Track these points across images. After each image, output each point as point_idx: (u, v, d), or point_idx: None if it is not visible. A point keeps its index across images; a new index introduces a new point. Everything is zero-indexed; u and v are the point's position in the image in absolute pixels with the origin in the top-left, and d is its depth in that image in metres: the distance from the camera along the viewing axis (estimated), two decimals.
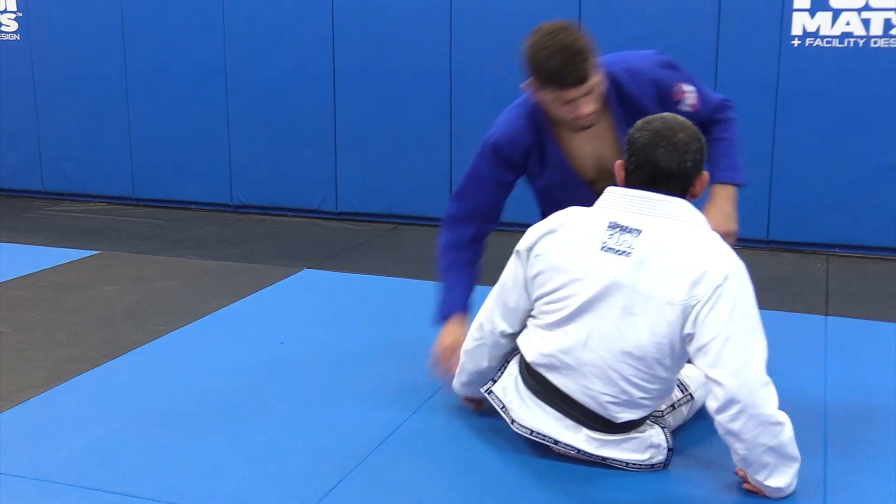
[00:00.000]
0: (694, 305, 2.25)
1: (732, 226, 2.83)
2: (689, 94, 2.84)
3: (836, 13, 4.91)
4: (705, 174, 2.43)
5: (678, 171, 2.35)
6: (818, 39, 4.96)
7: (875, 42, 4.87)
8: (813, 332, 3.64)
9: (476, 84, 5.59)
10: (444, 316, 2.96)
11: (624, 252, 2.34)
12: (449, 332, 2.91)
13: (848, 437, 2.70)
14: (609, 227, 2.38)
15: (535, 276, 2.49)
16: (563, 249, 2.44)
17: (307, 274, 4.53)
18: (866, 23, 4.87)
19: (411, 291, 4.22)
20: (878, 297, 4.17)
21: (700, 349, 2.25)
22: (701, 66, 5.17)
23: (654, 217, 2.35)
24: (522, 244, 2.55)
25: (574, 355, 2.40)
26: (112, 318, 3.81)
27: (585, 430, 2.43)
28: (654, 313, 2.29)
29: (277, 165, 6.08)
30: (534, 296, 2.52)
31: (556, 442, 2.45)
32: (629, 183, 2.42)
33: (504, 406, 2.57)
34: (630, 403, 2.38)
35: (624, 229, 2.36)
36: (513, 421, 2.53)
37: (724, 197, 2.85)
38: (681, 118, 2.43)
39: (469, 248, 3.07)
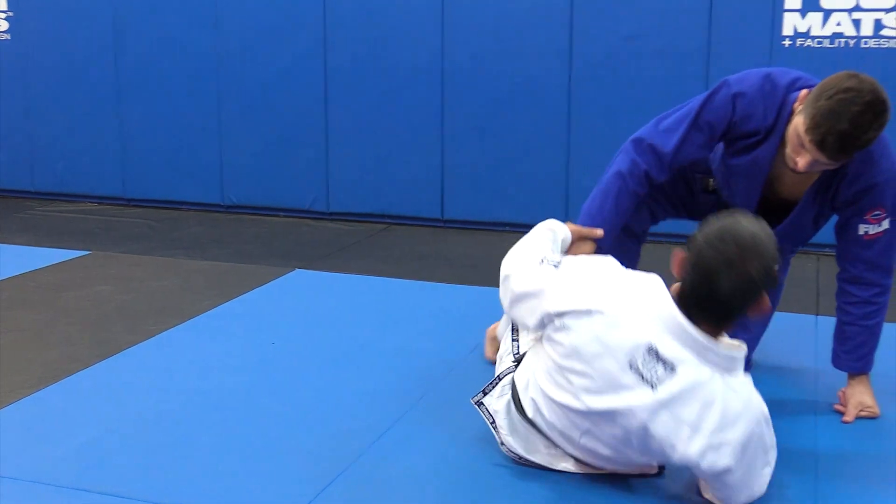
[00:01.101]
0: (701, 463, 2.16)
1: (877, 410, 2.83)
2: (877, 227, 2.66)
3: (827, 14, 4.93)
4: (766, 302, 2.20)
5: (738, 305, 2.15)
6: (809, 40, 4.98)
7: (865, 42, 4.89)
8: (804, 331, 3.66)
9: (468, 84, 5.59)
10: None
11: (650, 384, 2.14)
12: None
13: (839, 438, 2.71)
14: (646, 349, 2.15)
15: (554, 336, 2.32)
16: (590, 340, 2.22)
17: (298, 274, 4.53)
18: (857, 23, 4.89)
19: (403, 292, 4.22)
20: None
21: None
22: (692, 67, 5.20)
23: (695, 356, 2.14)
24: (552, 304, 2.32)
25: (566, 434, 2.35)
26: (104, 318, 3.80)
27: (574, 460, 2.43)
28: (658, 451, 2.21)
29: (269, 165, 6.08)
30: (549, 337, 2.37)
31: (545, 468, 2.45)
32: (684, 298, 2.18)
33: (494, 423, 2.52)
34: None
35: (660, 359, 2.14)
36: (501, 443, 2.51)
37: (863, 384, 2.85)
38: (762, 235, 2.15)
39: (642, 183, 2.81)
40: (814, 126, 2.40)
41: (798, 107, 2.53)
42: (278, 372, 3.21)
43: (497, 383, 2.54)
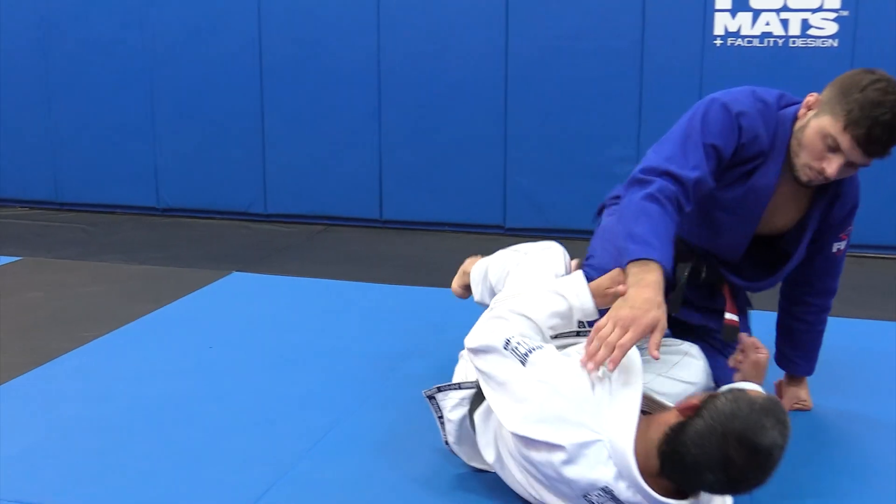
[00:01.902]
0: None
1: (810, 404, 2.92)
2: (844, 242, 2.68)
3: (756, 14, 5.02)
4: None
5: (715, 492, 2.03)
6: (739, 39, 5.07)
7: (793, 42, 4.99)
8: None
9: (405, 84, 5.60)
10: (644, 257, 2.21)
11: None
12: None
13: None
14: (602, 489, 2.02)
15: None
16: (546, 464, 2.08)
17: (236, 277, 4.49)
18: (785, 23, 4.99)
19: (342, 293, 4.20)
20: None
21: None
22: (626, 66, 5.25)
23: None
24: (510, 422, 2.10)
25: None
26: (36, 325, 3.73)
27: None
28: None
29: (204, 167, 6.02)
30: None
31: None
32: (664, 452, 2.00)
33: (442, 418, 2.42)
34: None
35: (615, 498, 2.02)
36: (446, 442, 2.46)
37: (804, 381, 2.93)
38: (780, 445, 1.91)
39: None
40: (854, 121, 2.26)
41: (807, 112, 2.40)
42: (216, 377, 3.17)
43: (456, 390, 2.38)
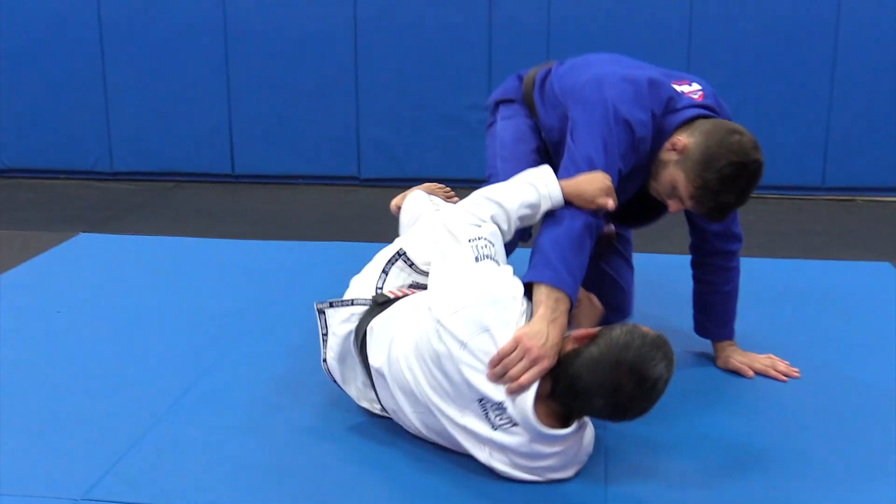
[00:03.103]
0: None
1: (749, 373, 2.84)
2: None
3: None
4: None
5: (601, 416, 2.16)
6: None
7: None
8: None
9: (252, 35, 5.48)
10: None
11: (492, 424, 2.14)
12: None
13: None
14: (497, 403, 2.12)
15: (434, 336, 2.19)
16: (452, 364, 2.14)
17: (83, 238, 4.33)
18: None
19: (195, 250, 4.11)
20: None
21: None
22: (475, 12, 5.27)
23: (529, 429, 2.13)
24: (443, 313, 2.16)
25: (406, 392, 2.30)
26: None
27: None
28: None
29: (45, 126, 5.77)
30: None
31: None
32: (556, 378, 2.12)
33: (326, 336, 2.46)
34: None
35: (507, 415, 2.12)
36: (324, 359, 2.48)
37: (734, 347, 2.88)
38: (665, 379, 2.07)
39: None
40: (699, 197, 2.41)
41: (674, 156, 2.46)
42: (65, 342, 3.07)
43: (348, 306, 2.42)
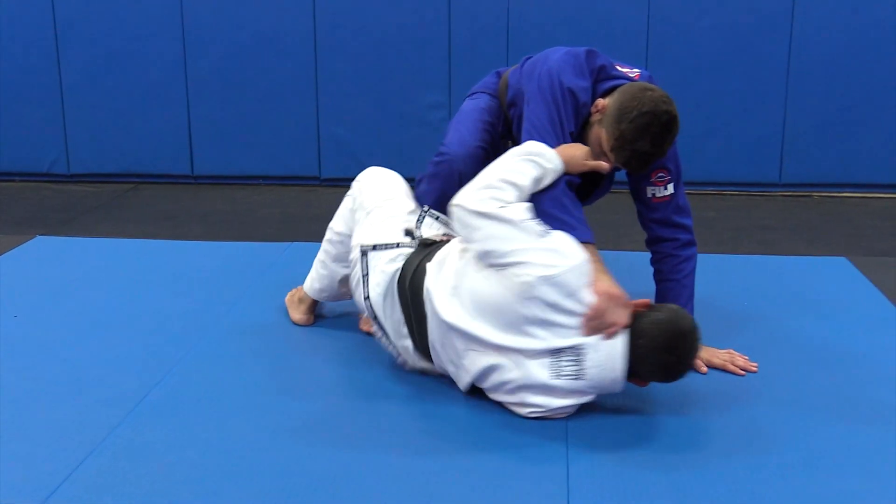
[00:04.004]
0: None
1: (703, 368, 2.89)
2: (663, 190, 2.85)
3: None
4: None
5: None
6: None
7: None
8: None
9: (210, 34, 5.45)
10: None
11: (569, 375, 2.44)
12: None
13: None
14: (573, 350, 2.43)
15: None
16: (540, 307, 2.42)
17: (40, 241, 4.28)
18: None
19: (155, 253, 4.07)
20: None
21: None
22: (435, 12, 5.28)
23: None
24: (535, 273, 2.41)
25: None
26: None
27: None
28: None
29: None
30: None
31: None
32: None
33: (367, 276, 2.72)
34: None
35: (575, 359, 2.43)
36: (366, 297, 2.73)
37: None
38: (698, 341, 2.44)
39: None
40: (618, 148, 2.61)
41: (598, 116, 2.70)
42: (23, 346, 3.03)
43: (394, 248, 2.71)
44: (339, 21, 5.36)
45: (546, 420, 2.49)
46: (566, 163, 2.66)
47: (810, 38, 5.15)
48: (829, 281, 3.65)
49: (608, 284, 2.46)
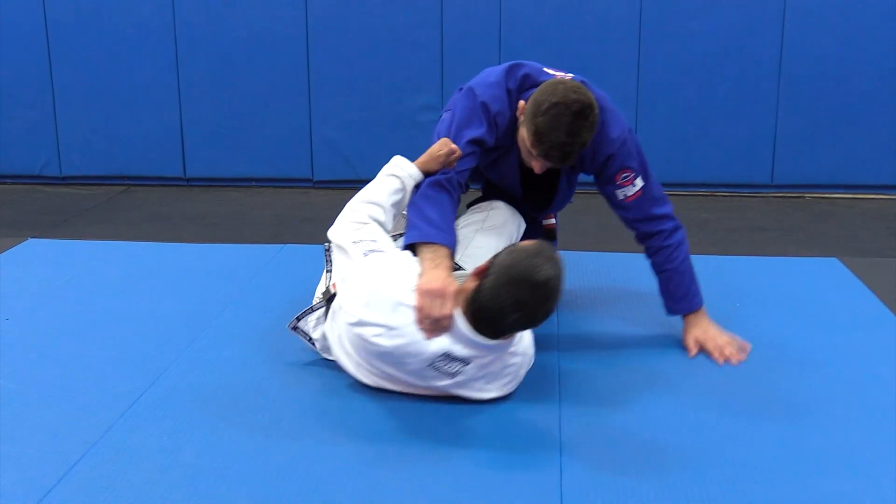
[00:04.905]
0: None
1: (734, 346, 2.94)
2: (632, 188, 2.91)
3: None
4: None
5: (518, 331, 2.49)
6: None
7: None
8: None
9: (202, 36, 5.43)
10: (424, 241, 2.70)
11: (450, 375, 2.50)
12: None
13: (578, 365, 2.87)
14: (443, 355, 2.45)
15: (362, 333, 2.53)
16: (393, 348, 2.48)
17: (32, 244, 4.27)
18: None
19: (148, 255, 4.08)
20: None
21: None
22: (427, 13, 5.28)
23: (480, 350, 2.46)
24: (352, 309, 2.52)
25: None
26: None
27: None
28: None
29: None
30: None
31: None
32: (472, 311, 2.40)
33: (311, 340, 2.80)
34: None
35: (455, 358, 2.47)
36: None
37: (701, 321, 2.99)
38: (558, 279, 2.35)
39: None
40: (536, 142, 2.67)
41: (521, 117, 2.77)
42: (15, 349, 3.03)
43: (310, 313, 2.77)
44: (331, 23, 5.35)
45: (539, 426, 2.50)
46: (426, 164, 2.82)
47: (802, 39, 5.16)
48: (820, 281, 3.67)
49: (426, 280, 2.47)
